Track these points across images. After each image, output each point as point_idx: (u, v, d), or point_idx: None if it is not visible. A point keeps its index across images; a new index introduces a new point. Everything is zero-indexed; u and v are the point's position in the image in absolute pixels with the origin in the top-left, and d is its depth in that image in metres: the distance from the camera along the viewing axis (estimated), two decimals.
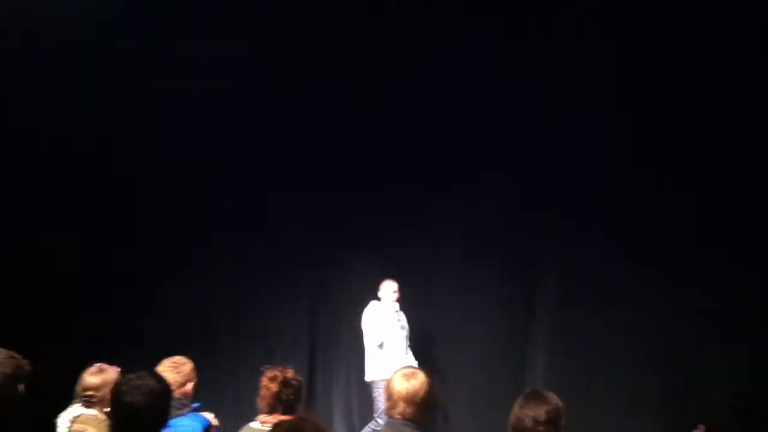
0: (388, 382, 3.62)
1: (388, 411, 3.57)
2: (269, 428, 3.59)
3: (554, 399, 3.48)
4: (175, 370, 4.14)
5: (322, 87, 8.41)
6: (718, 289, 7.48)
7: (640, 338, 7.71)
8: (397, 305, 7.70)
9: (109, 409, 3.44)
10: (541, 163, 8.06)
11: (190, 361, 4.29)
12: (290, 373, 3.99)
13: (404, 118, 8.24)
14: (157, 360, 4.24)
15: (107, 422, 3.63)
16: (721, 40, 7.35)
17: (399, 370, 3.66)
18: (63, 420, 4.06)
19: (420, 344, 8.12)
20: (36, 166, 8.33)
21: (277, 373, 3.96)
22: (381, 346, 7.61)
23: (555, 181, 8.05)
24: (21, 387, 3.69)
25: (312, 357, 8.66)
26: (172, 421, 3.81)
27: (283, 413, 3.86)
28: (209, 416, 4.16)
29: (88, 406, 4.11)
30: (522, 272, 8.27)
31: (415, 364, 7.29)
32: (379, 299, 7.76)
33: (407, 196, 8.44)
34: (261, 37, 8.32)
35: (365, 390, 7.93)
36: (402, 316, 7.72)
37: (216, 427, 4.08)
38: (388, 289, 7.73)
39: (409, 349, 7.73)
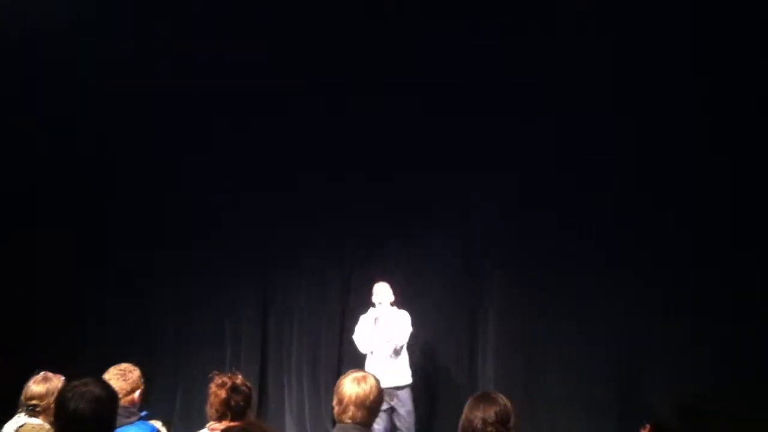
0: (338, 386, 3.61)
1: (339, 415, 3.56)
2: None
3: (503, 400, 3.53)
4: (122, 377, 4.09)
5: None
6: (672, 290, 7.53)
7: (589, 339, 7.72)
8: (377, 309, 7.33)
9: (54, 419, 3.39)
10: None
11: (138, 368, 4.24)
12: (239, 380, 3.95)
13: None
14: (106, 368, 4.19)
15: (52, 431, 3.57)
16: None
17: (349, 374, 3.64)
18: (8, 430, 3.98)
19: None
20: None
21: (225, 379, 3.92)
22: (372, 353, 7.36)
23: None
24: None
25: (264, 364, 8.57)
26: (120, 430, 3.78)
27: (233, 420, 3.82)
28: (157, 424, 4.11)
29: (32, 416, 4.05)
30: (473, 276, 8.24)
31: (400, 369, 7.24)
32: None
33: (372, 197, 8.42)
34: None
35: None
36: (384, 320, 7.32)
37: None
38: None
39: (395, 353, 7.29)
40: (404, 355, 7.34)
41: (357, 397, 3.51)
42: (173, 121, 8.54)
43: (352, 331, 7.81)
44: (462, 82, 8.06)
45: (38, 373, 4.18)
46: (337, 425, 3.55)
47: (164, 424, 4.28)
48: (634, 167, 7.69)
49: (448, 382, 8.13)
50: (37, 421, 4.02)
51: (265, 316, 8.67)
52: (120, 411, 3.75)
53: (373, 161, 8.35)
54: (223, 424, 3.79)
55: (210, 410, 3.95)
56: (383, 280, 7.50)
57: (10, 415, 4.10)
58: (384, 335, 7.24)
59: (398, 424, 7.22)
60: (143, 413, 4.09)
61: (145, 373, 4.27)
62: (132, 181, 8.68)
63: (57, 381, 3.98)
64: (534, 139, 7.90)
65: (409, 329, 7.31)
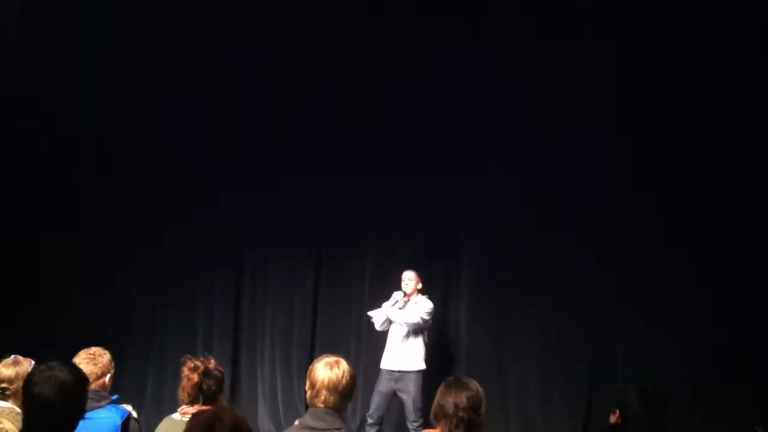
0: (310, 370, 3.62)
1: (311, 400, 3.56)
2: None
3: (475, 385, 3.57)
4: (92, 361, 4.06)
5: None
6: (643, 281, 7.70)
7: (560, 329, 7.87)
8: (400, 295, 7.45)
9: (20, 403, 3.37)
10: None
11: (108, 352, 4.21)
12: (212, 364, 3.95)
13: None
14: (75, 352, 4.16)
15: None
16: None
17: (322, 359, 3.64)
18: None
19: (337, 339, 8.20)
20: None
21: (198, 363, 3.91)
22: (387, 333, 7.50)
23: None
24: None
25: (236, 349, 8.60)
26: (90, 414, 3.76)
27: (204, 404, 3.82)
28: (128, 408, 4.10)
29: (2, 399, 4.02)
30: (441, 254, 8.32)
31: (409, 354, 7.29)
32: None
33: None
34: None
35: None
36: (406, 306, 7.41)
37: (135, 419, 4.01)
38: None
39: (407, 335, 7.35)
40: (419, 342, 7.37)
41: (329, 381, 3.51)
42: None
43: (324, 317, 7.94)
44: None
45: (8, 356, 4.16)
46: (309, 409, 3.55)
47: (135, 408, 4.26)
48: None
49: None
50: (7, 404, 3.98)
51: (238, 301, 8.69)
52: (90, 395, 3.74)
53: (362, 157, 8.39)
54: (195, 408, 3.78)
55: (182, 394, 3.94)
56: (410, 269, 7.57)
57: None
58: (398, 314, 7.33)
59: (404, 409, 7.29)
60: (114, 397, 4.06)
61: (115, 358, 4.24)
62: (116, 172, 8.70)
63: (27, 364, 3.95)
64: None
65: (423, 315, 7.34)
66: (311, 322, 8.45)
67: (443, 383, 3.62)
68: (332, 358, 3.62)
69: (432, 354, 7.48)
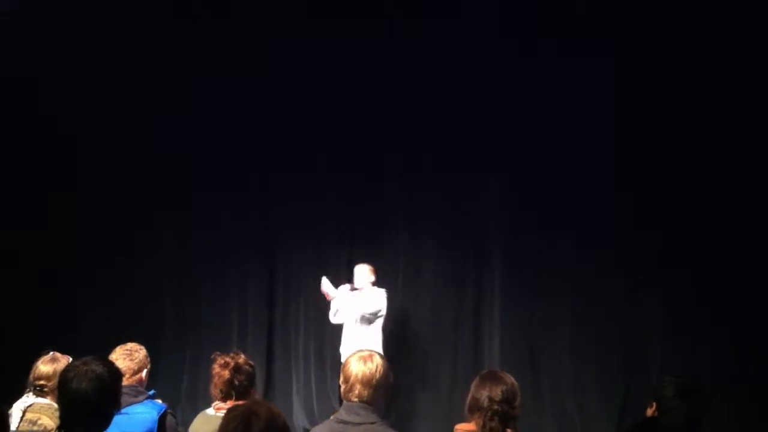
0: (344, 365, 3.61)
1: (345, 394, 3.55)
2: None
3: (509, 379, 3.54)
4: (128, 357, 4.10)
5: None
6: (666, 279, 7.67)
7: (595, 324, 7.83)
8: (346, 288, 7.59)
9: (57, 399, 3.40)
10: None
11: (143, 347, 4.25)
12: (242, 359, 3.98)
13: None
14: (111, 348, 4.20)
15: None
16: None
17: (356, 353, 3.64)
18: (16, 409, 4.00)
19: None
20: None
21: (228, 359, 3.94)
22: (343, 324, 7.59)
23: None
24: None
25: (270, 344, 8.63)
26: (128, 409, 3.82)
27: (237, 399, 3.86)
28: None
29: (40, 396, 4.07)
30: (472, 250, 8.31)
31: (365, 344, 7.19)
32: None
33: (376, 186, 8.50)
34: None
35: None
36: (360, 294, 7.52)
37: (171, 414, 4.04)
38: None
39: (362, 322, 7.44)
40: (375, 332, 7.41)
41: (363, 375, 3.50)
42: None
43: None
44: (460, 81, 8.10)
45: (47, 353, 4.21)
46: (344, 404, 3.54)
47: (170, 403, 4.29)
48: (636, 164, 7.78)
49: (449, 365, 8.20)
50: (45, 401, 4.04)
51: (271, 296, 8.71)
52: (128, 390, 3.80)
53: (378, 154, 8.42)
54: (229, 403, 3.82)
55: (214, 390, 3.98)
56: (365, 263, 7.65)
57: (18, 395, 4.12)
58: (355, 306, 7.39)
59: None
60: (151, 392, 4.10)
61: (150, 353, 4.28)
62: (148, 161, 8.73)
63: (65, 361, 3.98)
64: (545, 136, 7.96)
65: (380, 304, 7.40)
66: None
67: (478, 376, 3.60)
68: (365, 352, 3.62)
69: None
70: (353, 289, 7.53)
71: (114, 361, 3.66)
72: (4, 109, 8.07)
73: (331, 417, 3.61)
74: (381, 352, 7.17)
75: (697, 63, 7.52)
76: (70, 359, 3.89)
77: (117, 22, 8.20)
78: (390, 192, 8.45)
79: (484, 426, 3.43)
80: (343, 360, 7.12)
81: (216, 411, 3.90)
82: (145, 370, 4.17)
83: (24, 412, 3.99)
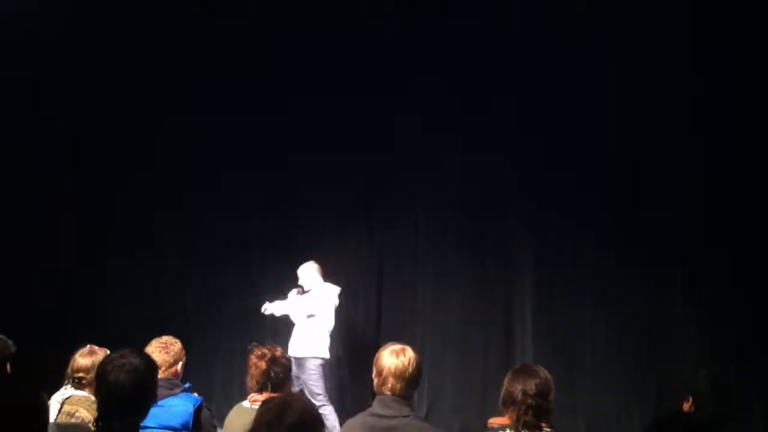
0: (376, 358, 3.60)
1: (379, 388, 3.54)
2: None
3: (543, 372, 3.51)
4: (164, 350, 4.14)
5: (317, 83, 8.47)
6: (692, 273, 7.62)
7: (626, 318, 7.80)
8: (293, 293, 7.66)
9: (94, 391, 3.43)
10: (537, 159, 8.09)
11: (178, 340, 4.28)
12: (278, 352, 4.00)
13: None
14: (144, 341, 4.24)
15: None
16: (721, 40, 7.35)
17: (387, 347, 3.63)
18: (54, 402, 4.06)
19: (403, 327, 8.19)
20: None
21: (265, 351, 3.96)
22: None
23: (547, 179, 8.06)
24: (7, 366, 3.73)
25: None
26: (163, 401, 3.84)
27: (273, 391, 3.87)
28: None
29: (78, 388, 4.12)
30: (507, 262, 8.28)
31: (310, 341, 7.39)
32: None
33: (394, 184, 8.53)
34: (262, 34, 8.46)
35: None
36: (309, 293, 7.59)
37: (207, 406, 4.06)
38: None
39: (311, 329, 7.50)
40: (320, 330, 7.44)
41: (396, 369, 3.49)
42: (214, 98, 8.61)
43: (388, 305, 8.14)
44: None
45: (84, 346, 4.26)
46: (377, 397, 3.54)
47: (205, 395, 4.32)
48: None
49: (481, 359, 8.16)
50: (83, 393, 4.09)
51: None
52: (163, 383, 3.83)
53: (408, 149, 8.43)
54: (264, 395, 3.84)
55: (250, 382, 4.00)
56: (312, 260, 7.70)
57: (57, 387, 4.17)
58: (302, 307, 7.46)
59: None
60: (186, 385, 4.12)
61: (184, 346, 4.31)
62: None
63: (102, 354, 4.03)
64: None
65: (325, 302, 7.46)
66: (376, 310, 8.50)
67: (511, 371, 3.57)
68: (398, 346, 3.61)
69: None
70: (303, 292, 7.56)
71: (150, 353, 3.69)
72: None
73: (365, 410, 3.60)
74: (329, 346, 7.39)
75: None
76: (108, 352, 3.94)
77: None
78: (415, 188, 8.49)
79: (518, 420, 3.40)
80: (294, 361, 7.24)
81: (251, 403, 3.93)
82: (180, 363, 4.21)
83: (62, 404, 4.05)
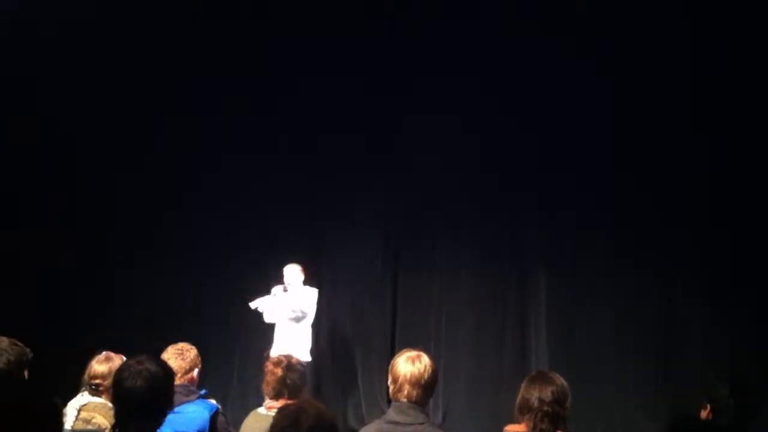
0: (392, 365, 3.60)
1: (394, 394, 3.54)
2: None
3: (559, 380, 3.52)
4: (180, 356, 4.15)
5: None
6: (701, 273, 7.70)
7: (635, 328, 7.87)
8: (279, 289, 7.78)
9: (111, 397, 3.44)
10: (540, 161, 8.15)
11: (194, 347, 4.29)
12: (294, 359, 4.01)
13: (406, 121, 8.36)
14: (159, 348, 4.25)
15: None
16: (722, 41, 7.41)
17: (403, 353, 3.63)
18: (71, 408, 4.06)
19: (418, 334, 8.20)
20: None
21: (281, 357, 3.97)
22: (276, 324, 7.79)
23: (554, 179, 8.12)
24: (25, 373, 3.73)
25: (317, 344, 8.60)
26: (180, 408, 3.85)
27: (289, 398, 3.88)
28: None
29: (95, 394, 4.12)
30: (521, 268, 8.36)
31: (295, 344, 7.45)
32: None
33: (406, 183, 8.56)
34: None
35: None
36: (291, 294, 7.74)
37: (222, 413, 4.08)
38: None
39: (295, 321, 7.69)
40: (305, 332, 7.63)
41: (412, 375, 3.49)
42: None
43: (402, 310, 8.10)
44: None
45: (100, 352, 4.27)
46: (393, 404, 3.54)
47: (221, 402, 4.34)
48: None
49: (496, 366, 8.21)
50: (100, 399, 4.09)
51: (318, 297, 8.74)
52: (179, 389, 3.83)
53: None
54: (280, 402, 3.84)
55: (266, 388, 4.01)
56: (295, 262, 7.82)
57: (73, 394, 4.18)
58: (285, 306, 7.59)
59: None
60: (202, 391, 4.15)
61: (200, 353, 4.32)
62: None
63: (118, 360, 4.04)
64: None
65: (308, 303, 7.65)
66: (391, 318, 8.53)
67: (527, 378, 3.59)
68: (413, 353, 3.61)
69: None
70: (285, 290, 7.69)
71: (166, 360, 3.71)
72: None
73: (380, 418, 3.62)
74: (309, 349, 7.48)
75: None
76: (124, 358, 3.95)
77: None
78: (434, 199, 8.52)
79: (534, 427, 3.40)
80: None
81: (267, 410, 3.94)
82: (196, 370, 4.23)
83: (79, 411, 4.04)
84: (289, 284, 7.72)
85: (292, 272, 7.76)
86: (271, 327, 8.48)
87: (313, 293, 7.75)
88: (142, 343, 4.16)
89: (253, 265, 8.73)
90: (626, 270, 7.94)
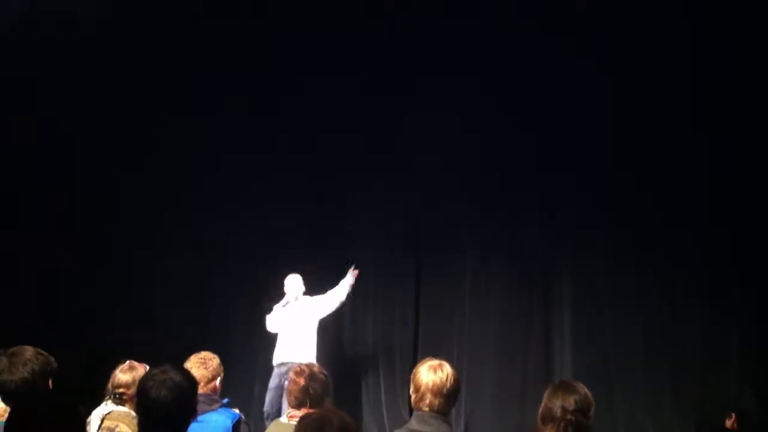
0: (414, 374, 3.62)
1: (416, 404, 3.55)
2: None
3: (583, 389, 3.51)
4: (203, 365, 4.16)
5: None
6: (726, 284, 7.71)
7: (662, 335, 7.89)
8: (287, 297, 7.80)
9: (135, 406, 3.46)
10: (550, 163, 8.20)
11: (217, 356, 4.31)
12: (317, 367, 4.02)
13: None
14: (182, 358, 4.26)
15: None
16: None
17: (425, 362, 3.63)
18: (95, 417, 4.08)
19: (440, 343, 8.23)
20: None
21: (303, 367, 3.98)
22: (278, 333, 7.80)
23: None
24: (49, 382, 3.74)
25: (340, 354, 8.68)
26: (202, 417, 3.86)
27: (311, 407, 3.88)
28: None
29: (119, 404, 4.13)
30: (539, 268, 8.41)
31: (301, 349, 7.50)
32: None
33: (406, 183, 8.60)
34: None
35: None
36: (296, 304, 7.77)
37: (245, 422, 4.10)
38: None
39: (305, 335, 7.71)
40: (311, 338, 7.64)
41: (434, 384, 3.50)
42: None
43: (426, 319, 8.16)
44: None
45: (124, 362, 4.28)
46: (414, 413, 3.54)
47: (243, 412, 4.35)
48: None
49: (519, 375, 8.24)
50: (124, 409, 4.10)
51: (340, 306, 8.72)
52: (202, 398, 3.84)
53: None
54: (302, 411, 3.84)
55: (289, 397, 4.02)
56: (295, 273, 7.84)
57: (97, 403, 4.20)
58: (294, 317, 7.62)
59: None
60: (225, 400, 4.16)
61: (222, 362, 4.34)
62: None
63: (142, 369, 4.04)
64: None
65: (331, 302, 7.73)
66: (413, 326, 8.56)
67: (550, 387, 3.60)
68: (435, 362, 3.61)
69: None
70: (287, 303, 7.70)
71: (188, 369, 3.72)
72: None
73: (402, 427, 3.63)
74: (315, 354, 7.47)
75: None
76: (148, 368, 3.97)
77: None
78: (452, 208, 8.56)
79: None
80: (275, 368, 7.38)
81: (289, 419, 3.95)
82: (218, 378, 4.23)
83: (102, 420, 4.05)
84: (292, 294, 7.75)
85: (294, 283, 7.79)
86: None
87: (316, 299, 7.78)
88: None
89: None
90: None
